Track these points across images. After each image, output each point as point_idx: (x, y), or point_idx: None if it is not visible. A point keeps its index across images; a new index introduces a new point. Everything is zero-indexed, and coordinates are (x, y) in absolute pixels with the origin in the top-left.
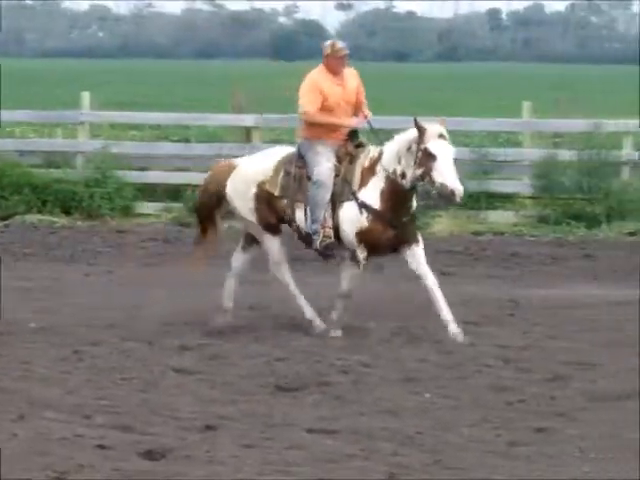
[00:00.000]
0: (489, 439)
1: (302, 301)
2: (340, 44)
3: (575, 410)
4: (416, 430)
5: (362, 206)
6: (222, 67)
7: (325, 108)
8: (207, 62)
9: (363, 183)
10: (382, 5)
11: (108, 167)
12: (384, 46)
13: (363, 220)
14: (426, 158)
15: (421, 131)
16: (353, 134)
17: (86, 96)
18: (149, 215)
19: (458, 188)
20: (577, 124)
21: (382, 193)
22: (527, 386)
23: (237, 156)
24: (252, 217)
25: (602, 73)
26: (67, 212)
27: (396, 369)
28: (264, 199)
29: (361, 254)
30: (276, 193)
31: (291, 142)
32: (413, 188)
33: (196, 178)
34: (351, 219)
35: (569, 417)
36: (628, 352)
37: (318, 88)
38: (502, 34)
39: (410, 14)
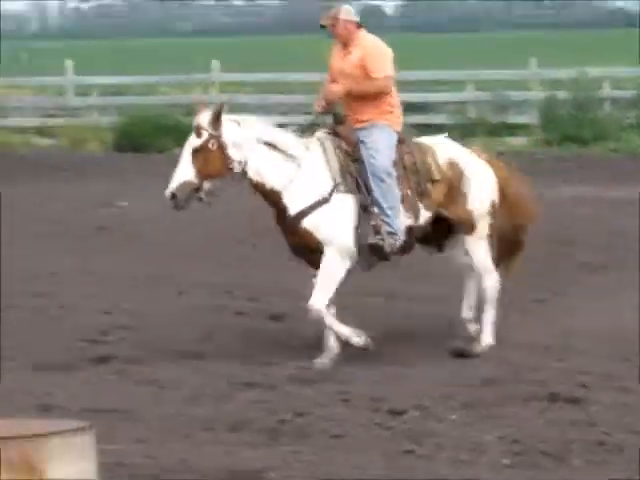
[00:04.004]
0: None
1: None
2: (333, 9)
3: None
4: None
5: None
6: None
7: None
8: None
9: None
10: None
11: (234, 113)
12: None
13: None
14: None
15: None
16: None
17: (215, 63)
18: None
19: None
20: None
21: None
22: None
23: None
24: None
25: None
26: None
27: None
28: None
29: None
30: None
31: None
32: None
33: (299, 120)
34: None
35: None
36: None
37: (329, 60)
38: None
39: None
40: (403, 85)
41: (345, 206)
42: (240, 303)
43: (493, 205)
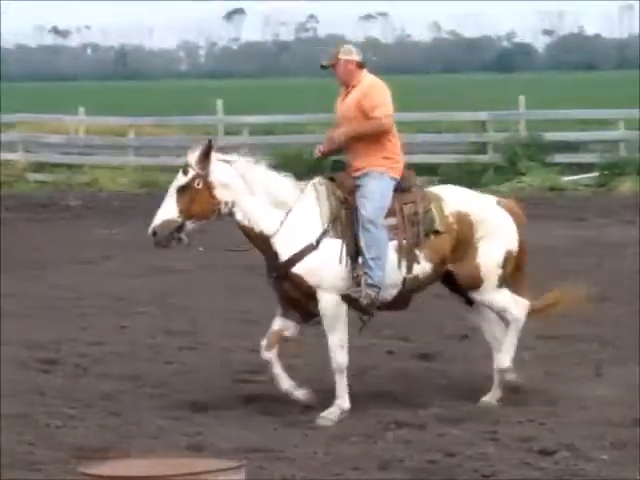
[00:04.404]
0: None
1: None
2: (334, 49)
3: None
4: None
5: None
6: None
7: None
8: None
9: None
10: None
11: None
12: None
13: None
14: None
15: None
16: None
17: None
18: None
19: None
20: None
21: None
22: None
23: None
24: None
25: None
26: None
27: None
28: None
29: None
30: None
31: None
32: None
33: (445, 158)
34: None
35: None
36: None
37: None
38: None
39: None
40: (553, 124)
41: (333, 251)
42: (390, 342)
43: (508, 256)
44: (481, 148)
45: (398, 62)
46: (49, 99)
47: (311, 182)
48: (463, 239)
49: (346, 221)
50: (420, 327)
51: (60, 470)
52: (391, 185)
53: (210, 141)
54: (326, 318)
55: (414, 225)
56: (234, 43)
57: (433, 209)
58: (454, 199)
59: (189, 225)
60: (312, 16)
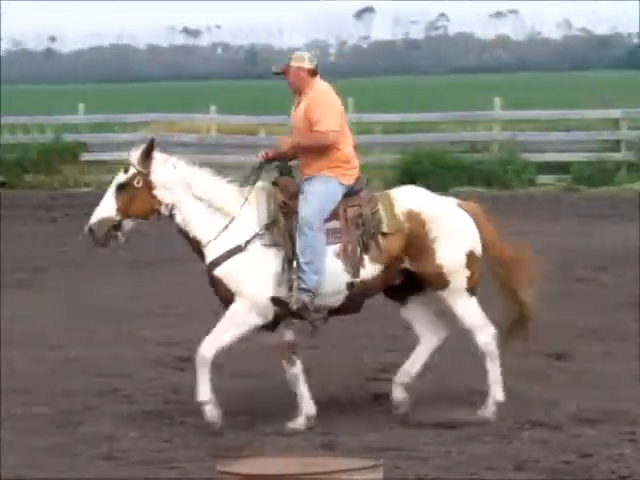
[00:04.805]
0: None
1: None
2: (294, 55)
3: None
4: None
5: None
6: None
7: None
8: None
9: None
10: None
11: (516, 151)
12: None
13: None
14: None
15: None
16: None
17: (497, 101)
18: (547, 185)
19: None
20: None
21: None
22: None
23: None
24: None
25: None
26: (488, 184)
27: None
28: None
29: None
30: None
31: None
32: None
33: (577, 156)
34: None
35: None
36: None
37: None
38: None
39: None
40: None
41: (262, 258)
42: (525, 342)
43: (471, 256)
44: (614, 146)
45: (528, 59)
46: (181, 98)
47: (254, 188)
48: (416, 237)
49: (285, 226)
50: (551, 326)
51: (195, 467)
52: (338, 189)
53: (152, 140)
54: (225, 323)
55: (358, 228)
56: (364, 42)
57: (381, 211)
58: (407, 198)
59: (127, 224)
60: (442, 14)
